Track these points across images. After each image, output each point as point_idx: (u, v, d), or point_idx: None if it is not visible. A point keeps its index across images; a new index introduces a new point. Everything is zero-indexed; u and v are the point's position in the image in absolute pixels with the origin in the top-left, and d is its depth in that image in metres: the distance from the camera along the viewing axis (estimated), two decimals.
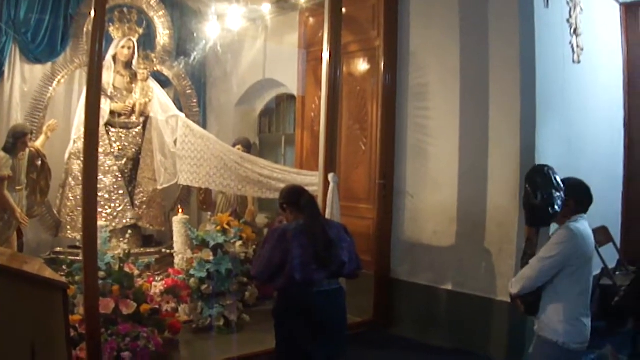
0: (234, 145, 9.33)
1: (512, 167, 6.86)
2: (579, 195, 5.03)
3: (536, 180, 4.93)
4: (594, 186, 6.92)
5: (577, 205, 4.99)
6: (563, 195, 4.86)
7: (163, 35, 9.60)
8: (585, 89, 8.15)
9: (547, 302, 4.95)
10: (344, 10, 7.35)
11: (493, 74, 7.12)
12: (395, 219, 8.11)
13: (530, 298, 5.01)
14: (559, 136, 7.43)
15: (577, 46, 7.91)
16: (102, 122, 8.21)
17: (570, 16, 7.79)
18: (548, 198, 4.83)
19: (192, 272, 7.59)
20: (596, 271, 7.72)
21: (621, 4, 9.23)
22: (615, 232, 8.54)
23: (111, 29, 8.88)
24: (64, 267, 6.88)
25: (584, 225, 4.93)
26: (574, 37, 7.86)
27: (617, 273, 8.10)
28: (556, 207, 4.80)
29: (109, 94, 8.83)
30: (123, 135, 9.06)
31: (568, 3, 7.77)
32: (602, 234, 8.06)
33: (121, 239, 8.17)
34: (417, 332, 7.72)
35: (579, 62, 7.93)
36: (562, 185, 4.88)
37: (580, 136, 7.95)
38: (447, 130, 7.53)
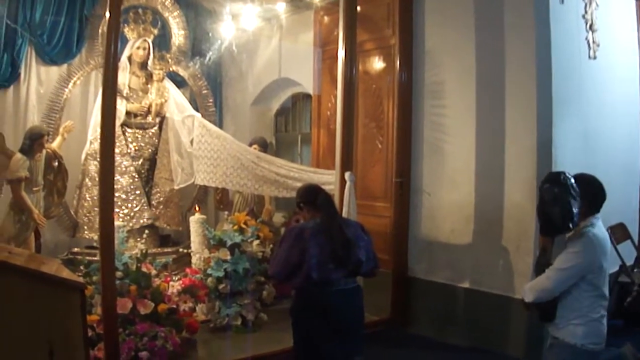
0: (250, 145, 9.34)
1: (529, 164, 6.84)
2: (592, 195, 4.88)
3: (553, 190, 4.76)
4: (611, 182, 6.89)
5: (591, 206, 4.87)
6: (580, 202, 4.77)
7: (178, 36, 9.62)
8: (602, 85, 8.10)
9: (563, 306, 4.87)
10: (358, 8, 7.35)
11: (509, 70, 7.09)
12: (412, 217, 8.10)
13: (546, 305, 4.94)
14: (575, 132, 7.40)
15: (593, 42, 7.87)
16: (118, 122, 8.22)
17: (586, 12, 7.75)
18: (567, 211, 4.70)
19: (209, 271, 7.60)
20: (614, 268, 7.68)
21: (637, 0, 9.18)
22: (634, 228, 8.48)
23: (126, 30, 8.90)
24: (82, 267, 6.91)
25: (600, 229, 4.82)
26: (590, 33, 7.82)
27: (635, 270, 8.04)
28: (575, 219, 4.72)
29: (124, 94, 8.86)
30: (139, 136, 9.08)
31: None
32: (620, 231, 8.01)
33: (138, 239, 8.19)
34: (434, 330, 7.71)
35: (595, 58, 7.89)
36: (577, 191, 4.77)
37: (597, 132, 7.91)
38: (463, 128, 7.51)
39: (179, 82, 9.87)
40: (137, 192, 8.90)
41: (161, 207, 9.15)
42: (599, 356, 4.94)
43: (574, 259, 4.66)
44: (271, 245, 8.18)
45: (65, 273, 4.66)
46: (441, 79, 7.80)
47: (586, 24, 7.77)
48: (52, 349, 4.09)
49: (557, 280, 4.71)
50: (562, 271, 4.69)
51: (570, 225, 4.68)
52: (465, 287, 7.48)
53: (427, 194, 7.88)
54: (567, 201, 4.66)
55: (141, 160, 9.07)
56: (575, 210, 4.67)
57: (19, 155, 7.74)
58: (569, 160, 7.06)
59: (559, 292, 4.75)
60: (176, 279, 7.99)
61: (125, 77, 8.93)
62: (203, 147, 8.92)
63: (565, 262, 4.70)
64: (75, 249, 8.60)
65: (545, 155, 6.80)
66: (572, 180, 4.76)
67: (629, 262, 7.96)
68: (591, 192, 4.88)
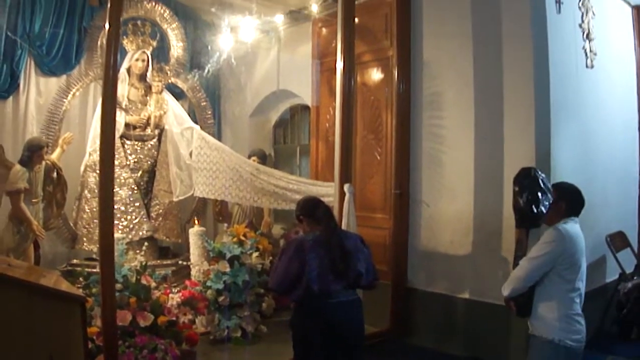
0: (249, 157, 9.39)
1: None
2: (570, 199, 5.14)
3: (522, 182, 5.17)
4: (610, 191, 6.88)
5: (569, 209, 5.10)
6: (550, 197, 5.06)
7: (177, 48, 9.64)
8: (599, 94, 8.11)
9: (539, 301, 5.08)
10: (357, 20, 7.35)
11: (507, 81, 7.10)
12: (411, 228, 8.09)
13: (522, 299, 5.13)
14: (574, 142, 7.41)
15: (590, 51, 7.89)
16: (117, 134, 8.22)
17: (583, 21, 7.78)
18: (532, 199, 5.04)
19: (208, 283, 7.61)
20: (614, 276, 7.70)
21: (633, 7, 9.20)
22: (633, 236, 8.48)
23: (125, 41, 8.90)
24: (81, 279, 6.92)
25: (573, 227, 5.03)
26: (587, 42, 7.85)
27: (635, 278, 8.05)
28: (541, 207, 5.02)
29: (123, 106, 8.87)
30: (138, 148, 9.09)
31: (580, 8, 7.75)
32: (619, 239, 8.02)
33: (138, 251, 8.17)
34: (434, 341, 7.69)
35: (592, 67, 7.91)
36: (548, 187, 5.11)
37: (595, 141, 7.92)
38: (461, 139, 7.51)
39: (178, 94, 9.88)
40: (137, 204, 8.90)
41: (160, 219, 9.14)
42: (580, 356, 5.05)
43: (544, 248, 4.94)
44: (270, 257, 8.21)
45: (65, 285, 4.67)
46: (439, 90, 7.80)
47: (583, 33, 7.80)
48: None
49: (528, 269, 4.99)
50: (533, 260, 4.99)
51: (535, 210, 4.94)
52: (465, 297, 7.46)
53: (426, 205, 7.87)
54: (534, 193, 5.06)
55: (140, 172, 9.07)
56: (544, 201, 4.96)
57: (18, 167, 7.74)
58: (568, 170, 7.07)
59: (532, 282, 5.01)
60: (175, 291, 7.98)
61: (124, 89, 8.94)
62: (202, 159, 8.92)
63: (536, 251, 4.99)
64: (74, 261, 8.58)
65: (543, 165, 6.80)
66: (543, 177, 5.08)
67: (629, 269, 7.97)
68: (568, 196, 5.19)
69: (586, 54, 7.87)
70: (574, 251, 4.94)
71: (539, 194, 5.04)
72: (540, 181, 5.10)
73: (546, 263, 4.92)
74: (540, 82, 6.91)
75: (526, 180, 5.19)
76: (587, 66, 7.87)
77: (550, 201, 5.10)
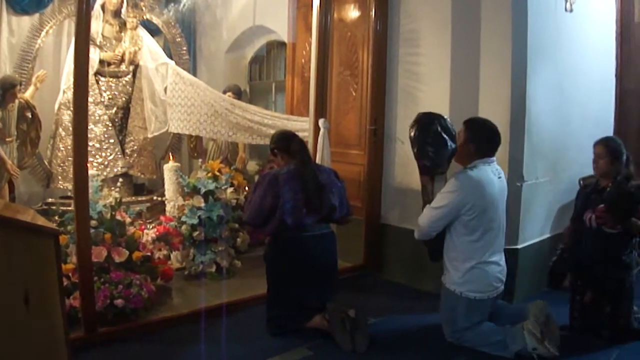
0: (224, 92, 9.37)
1: (503, 114, 6.83)
2: (479, 142, 5.16)
3: (410, 133, 5.31)
4: (585, 134, 6.88)
5: (479, 150, 5.11)
6: (450, 143, 5.11)
7: None
8: (578, 38, 8.08)
9: (445, 251, 5.10)
10: None
11: (484, 20, 7.07)
12: (385, 164, 8.11)
13: (433, 244, 5.16)
14: (550, 84, 7.40)
15: None
16: (91, 71, 8.19)
17: None
18: (419, 152, 5.15)
19: (183, 219, 7.63)
20: None
21: None
22: None
23: None
24: (56, 217, 6.91)
25: (481, 171, 5.03)
26: None
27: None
28: (424, 161, 5.04)
29: (98, 43, 8.81)
30: (113, 84, 9.04)
31: None
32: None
33: (112, 188, 8.13)
34: (406, 277, 7.76)
35: (571, 10, 7.85)
36: (450, 131, 5.13)
37: (572, 85, 7.90)
38: (437, 77, 7.48)
39: (153, 30, 9.78)
40: (111, 140, 8.89)
41: (135, 155, 9.15)
42: (488, 304, 5.07)
43: (445, 198, 4.99)
44: (245, 193, 8.23)
45: (41, 221, 4.67)
46: (416, 27, 7.75)
47: None
48: (27, 297, 4.10)
49: (430, 218, 5.04)
50: (434, 210, 5.02)
51: (427, 164, 4.96)
52: None
53: (401, 142, 7.88)
54: (423, 141, 5.15)
55: (115, 108, 9.04)
56: (431, 151, 5.01)
57: None
58: (543, 112, 7.10)
59: (436, 231, 5.08)
60: (150, 227, 8.03)
61: (98, 26, 8.86)
62: (177, 95, 8.90)
63: (438, 201, 5.05)
64: (50, 200, 8.60)
65: (518, 106, 6.82)
66: (442, 122, 5.11)
67: None
68: (478, 136, 5.19)
69: None
70: (478, 200, 4.93)
71: (427, 142, 5.06)
72: (434, 129, 5.07)
73: (446, 214, 4.94)
74: (518, 22, 6.87)
75: (414, 132, 5.22)
76: (566, 10, 7.81)
77: (448, 148, 5.11)
